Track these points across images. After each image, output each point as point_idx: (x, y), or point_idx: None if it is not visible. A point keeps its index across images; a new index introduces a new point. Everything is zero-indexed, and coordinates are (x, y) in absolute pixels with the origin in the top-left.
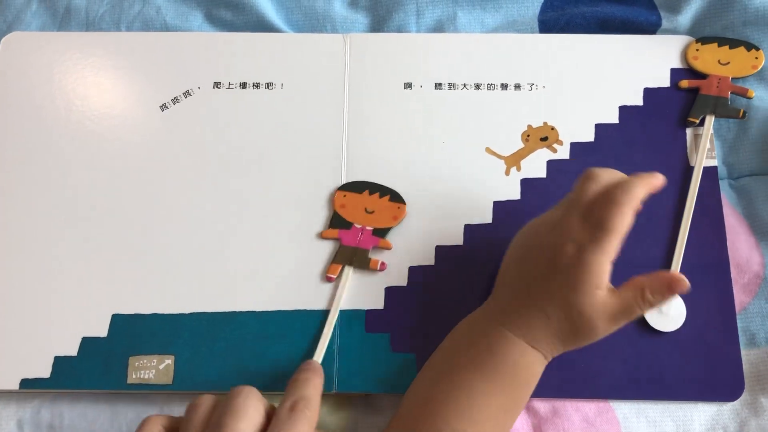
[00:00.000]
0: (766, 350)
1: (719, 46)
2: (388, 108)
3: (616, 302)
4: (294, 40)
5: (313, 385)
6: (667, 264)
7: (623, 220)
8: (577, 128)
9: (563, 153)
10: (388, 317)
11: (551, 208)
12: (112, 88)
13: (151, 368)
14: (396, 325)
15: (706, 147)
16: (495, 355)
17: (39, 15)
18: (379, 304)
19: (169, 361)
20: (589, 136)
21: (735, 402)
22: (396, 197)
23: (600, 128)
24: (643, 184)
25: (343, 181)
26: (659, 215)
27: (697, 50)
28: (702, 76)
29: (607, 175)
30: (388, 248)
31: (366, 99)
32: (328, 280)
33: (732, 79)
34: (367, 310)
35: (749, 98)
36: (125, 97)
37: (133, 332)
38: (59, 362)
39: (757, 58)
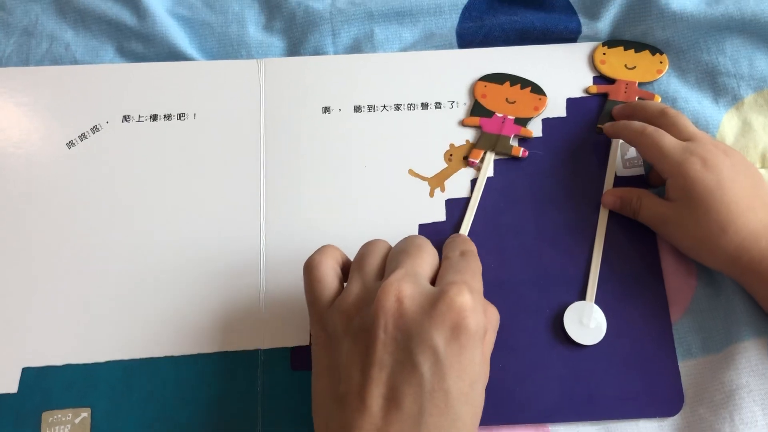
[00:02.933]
0: (701, 360)
1: (625, 49)
2: (307, 134)
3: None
4: (206, 67)
5: (471, 242)
6: (584, 276)
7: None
8: None
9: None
10: None
11: None
12: (15, 126)
13: (66, 423)
14: None
15: (617, 153)
16: None
17: None
18: (304, 340)
19: (85, 414)
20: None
21: (675, 417)
22: (537, 89)
23: (524, 143)
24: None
25: (264, 213)
26: (586, 227)
27: (604, 54)
28: (610, 81)
29: None
30: (529, 136)
31: (283, 125)
32: (470, 164)
33: (639, 84)
34: (293, 348)
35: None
36: (29, 136)
37: (46, 386)
38: None
39: (661, 62)
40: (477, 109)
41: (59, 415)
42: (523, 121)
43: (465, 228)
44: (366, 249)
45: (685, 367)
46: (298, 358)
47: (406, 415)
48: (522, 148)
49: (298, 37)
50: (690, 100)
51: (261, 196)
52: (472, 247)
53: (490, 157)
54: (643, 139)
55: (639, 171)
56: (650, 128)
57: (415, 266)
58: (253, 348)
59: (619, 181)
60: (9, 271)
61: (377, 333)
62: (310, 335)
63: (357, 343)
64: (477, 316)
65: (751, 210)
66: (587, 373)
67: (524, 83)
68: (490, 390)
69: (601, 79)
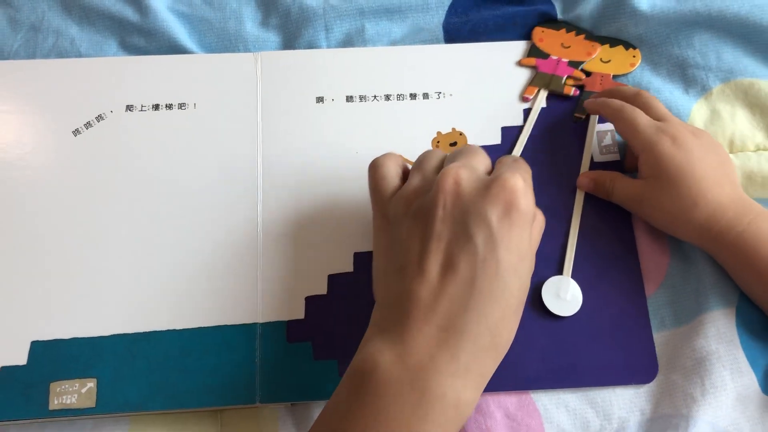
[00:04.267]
0: (674, 331)
1: (602, 44)
2: (301, 122)
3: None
4: (205, 60)
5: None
6: (563, 253)
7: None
8: (484, 132)
9: None
10: (309, 326)
11: None
12: (22, 116)
13: (73, 393)
14: (317, 334)
15: (593, 139)
16: None
17: None
18: (299, 314)
19: (91, 384)
20: (496, 139)
21: (650, 384)
22: (590, 36)
23: (506, 131)
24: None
25: (260, 199)
26: (563, 208)
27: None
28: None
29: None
30: (581, 78)
31: (279, 114)
32: (524, 100)
33: (613, 76)
34: (288, 321)
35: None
36: (36, 124)
37: (53, 358)
38: None
39: (634, 56)
40: (534, 51)
41: (66, 386)
42: (575, 64)
43: (518, 149)
44: (425, 154)
45: (660, 338)
46: (294, 331)
47: (461, 279)
48: (573, 88)
49: (292, 32)
50: (662, 91)
51: (258, 179)
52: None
53: (543, 94)
54: (620, 114)
55: (614, 157)
56: (628, 106)
57: (471, 161)
58: (251, 322)
59: (596, 167)
60: (18, 251)
61: (436, 211)
62: (373, 225)
63: (417, 221)
64: (528, 199)
65: (719, 185)
66: (567, 344)
67: (579, 31)
68: None
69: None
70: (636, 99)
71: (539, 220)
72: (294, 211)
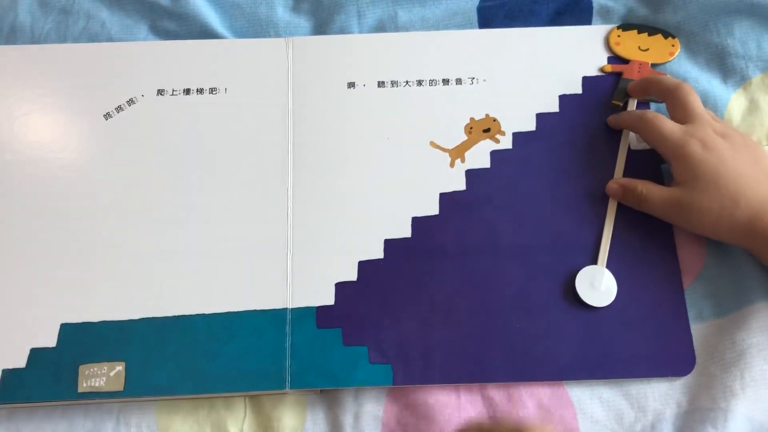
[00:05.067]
0: (713, 323)
1: (639, 33)
2: (332, 107)
3: None
4: (236, 45)
5: None
6: (598, 243)
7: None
8: (519, 118)
9: (506, 143)
10: (338, 312)
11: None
12: (55, 99)
13: (102, 376)
14: (347, 319)
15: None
16: None
17: None
18: (329, 300)
19: (119, 367)
20: (530, 126)
21: (687, 376)
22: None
23: (541, 117)
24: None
25: (291, 182)
26: (599, 197)
27: (619, 36)
28: (624, 61)
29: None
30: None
31: (310, 99)
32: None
33: (651, 64)
34: (318, 307)
35: None
36: (68, 108)
37: (83, 341)
38: (7, 375)
39: (673, 45)
40: (614, 58)
41: (95, 368)
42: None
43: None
44: None
45: (697, 330)
46: (323, 317)
47: None
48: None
49: (324, 17)
50: (700, 80)
51: (288, 164)
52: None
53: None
54: (642, 125)
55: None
56: (649, 114)
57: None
58: (281, 307)
59: (633, 155)
60: (49, 235)
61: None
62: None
63: None
64: None
65: (757, 182)
66: (601, 334)
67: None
68: (508, 348)
69: (615, 59)
70: (674, 92)
71: None
72: (324, 197)
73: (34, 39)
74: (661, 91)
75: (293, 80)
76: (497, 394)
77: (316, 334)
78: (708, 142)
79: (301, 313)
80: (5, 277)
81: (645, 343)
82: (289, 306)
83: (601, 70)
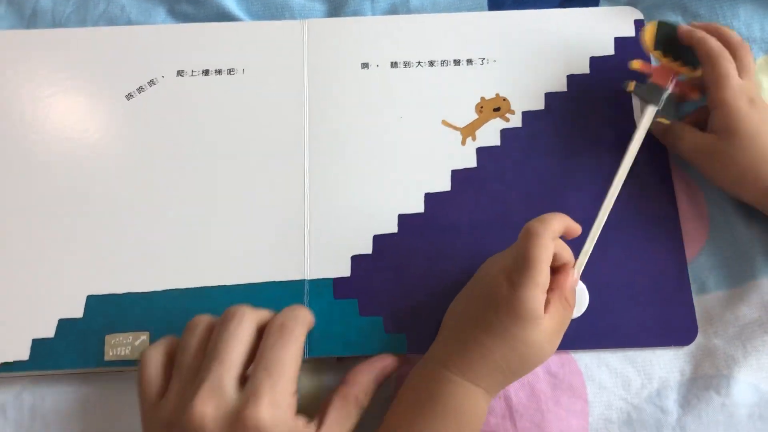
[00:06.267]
0: (716, 295)
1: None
2: (347, 88)
3: (553, 321)
4: (253, 27)
5: (302, 311)
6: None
7: (543, 251)
8: (528, 98)
9: (516, 122)
10: (355, 284)
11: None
12: (78, 81)
13: (127, 345)
14: (363, 291)
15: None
16: (437, 400)
17: (6, 18)
18: (345, 272)
19: (144, 337)
20: (539, 105)
21: (690, 345)
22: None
23: (550, 97)
24: (559, 218)
25: (308, 159)
26: (606, 173)
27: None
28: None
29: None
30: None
31: (325, 80)
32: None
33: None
34: (335, 278)
35: (695, 100)
36: (90, 89)
37: (108, 312)
38: (37, 345)
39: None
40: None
41: (120, 338)
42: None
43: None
44: (186, 335)
45: (701, 302)
46: (340, 288)
47: None
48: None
49: (338, 1)
50: None
51: (305, 142)
52: (295, 323)
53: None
54: (717, 61)
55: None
56: (728, 56)
57: (222, 372)
58: (299, 278)
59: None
60: (74, 210)
61: None
62: None
63: None
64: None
65: None
66: (607, 305)
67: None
68: None
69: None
70: (739, 49)
71: None
72: (339, 173)
73: (55, 23)
74: (727, 42)
75: (309, 61)
76: None
77: (333, 305)
78: (756, 100)
79: (318, 284)
80: (34, 252)
81: (649, 314)
82: (307, 278)
83: (630, 66)
